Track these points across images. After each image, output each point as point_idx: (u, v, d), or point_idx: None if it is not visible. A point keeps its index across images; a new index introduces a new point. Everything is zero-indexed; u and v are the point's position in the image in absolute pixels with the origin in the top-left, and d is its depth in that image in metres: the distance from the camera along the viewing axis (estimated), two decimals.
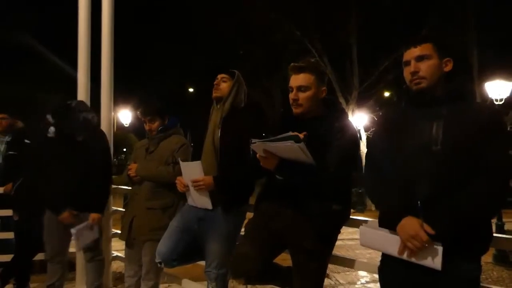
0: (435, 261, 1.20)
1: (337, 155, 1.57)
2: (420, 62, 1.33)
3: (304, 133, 1.51)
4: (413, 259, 1.25)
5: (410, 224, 1.24)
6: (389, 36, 9.83)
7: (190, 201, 2.08)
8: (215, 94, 2.08)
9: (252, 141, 1.58)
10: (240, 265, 1.74)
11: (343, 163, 1.59)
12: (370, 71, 10.79)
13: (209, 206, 1.97)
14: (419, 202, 1.25)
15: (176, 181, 2.09)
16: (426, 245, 1.21)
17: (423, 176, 1.25)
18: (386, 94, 14.06)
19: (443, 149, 1.24)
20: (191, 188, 2.00)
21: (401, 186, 1.30)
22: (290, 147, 1.47)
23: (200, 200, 2.00)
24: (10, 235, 2.96)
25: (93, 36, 3.12)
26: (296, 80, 1.67)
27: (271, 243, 1.72)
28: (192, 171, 1.98)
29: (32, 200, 2.62)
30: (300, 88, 1.66)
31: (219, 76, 2.07)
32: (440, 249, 1.20)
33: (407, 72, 1.36)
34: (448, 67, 1.34)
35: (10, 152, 3.00)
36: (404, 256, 1.26)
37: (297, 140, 1.45)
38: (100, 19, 3.11)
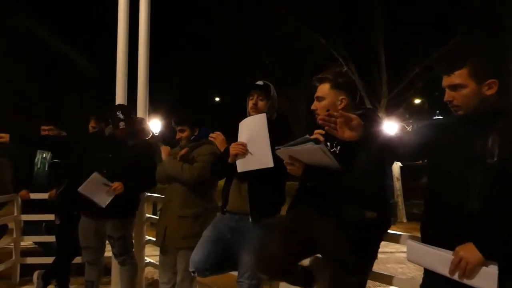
0: (489, 284, 1.13)
1: (368, 161, 1.52)
2: (454, 92, 1.24)
3: (322, 139, 1.55)
4: (465, 281, 1.18)
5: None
6: (419, 40, 9.50)
7: (239, 168, 1.93)
8: (253, 113, 2.06)
9: (276, 148, 1.62)
10: (266, 261, 1.76)
11: (374, 169, 1.56)
12: (399, 77, 10.47)
13: (270, 163, 1.82)
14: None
15: (232, 145, 1.95)
16: (480, 266, 1.14)
17: (475, 190, 1.20)
18: (417, 101, 13.55)
19: (499, 163, 1.18)
20: (250, 147, 1.90)
21: (449, 201, 1.24)
22: (310, 149, 1.47)
23: (259, 159, 1.88)
24: (53, 238, 3.13)
25: (130, 49, 3.29)
26: (317, 91, 1.76)
27: (300, 248, 1.72)
28: (253, 125, 1.92)
29: (71, 205, 2.77)
30: (317, 99, 1.74)
31: (255, 94, 2.05)
32: (495, 271, 1.13)
33: (445, 96, 1.29)
34: (491, 90, 1.22)
35: (54, 160, 3.22)
36: (456, 277, 1.20)
37: (316, 141, 1.47)
38: (137, 34, 3.28)
